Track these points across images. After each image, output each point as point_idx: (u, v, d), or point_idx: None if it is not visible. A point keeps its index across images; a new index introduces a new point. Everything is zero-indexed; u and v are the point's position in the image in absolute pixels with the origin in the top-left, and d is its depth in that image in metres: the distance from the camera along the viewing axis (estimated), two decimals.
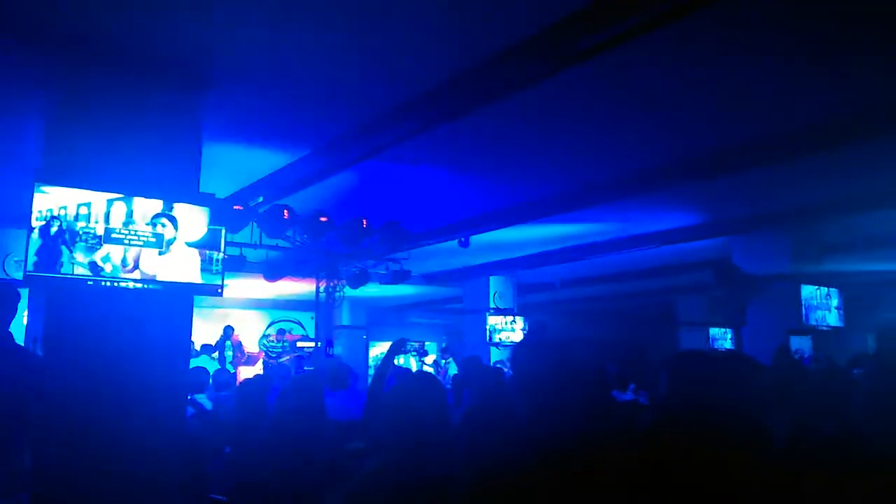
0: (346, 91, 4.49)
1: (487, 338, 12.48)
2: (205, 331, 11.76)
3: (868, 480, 1.37)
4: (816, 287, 8.72)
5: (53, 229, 3.50)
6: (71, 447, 3.44)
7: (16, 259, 8.76)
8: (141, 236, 3.76)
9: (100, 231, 3.63)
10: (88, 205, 3.61)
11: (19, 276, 8.70)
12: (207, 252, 4.03)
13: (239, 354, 11.97)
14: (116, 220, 3.69)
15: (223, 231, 4.21)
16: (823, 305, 8.73)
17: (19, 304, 3.60)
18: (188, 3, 3.38)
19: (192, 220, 3.97)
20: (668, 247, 9.42)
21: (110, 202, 3.68)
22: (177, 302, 3.98)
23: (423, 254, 9.68)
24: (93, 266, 3.60)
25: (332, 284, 7.61)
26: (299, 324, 15.29)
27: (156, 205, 3.83)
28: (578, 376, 2.10)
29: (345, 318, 15.03)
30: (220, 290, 4.10)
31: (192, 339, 7.41)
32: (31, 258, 3.45)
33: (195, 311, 4.27)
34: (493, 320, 12.64)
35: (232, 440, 4.10)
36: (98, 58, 3.83)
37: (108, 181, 3.71)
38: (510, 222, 8.02)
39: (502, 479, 1.86)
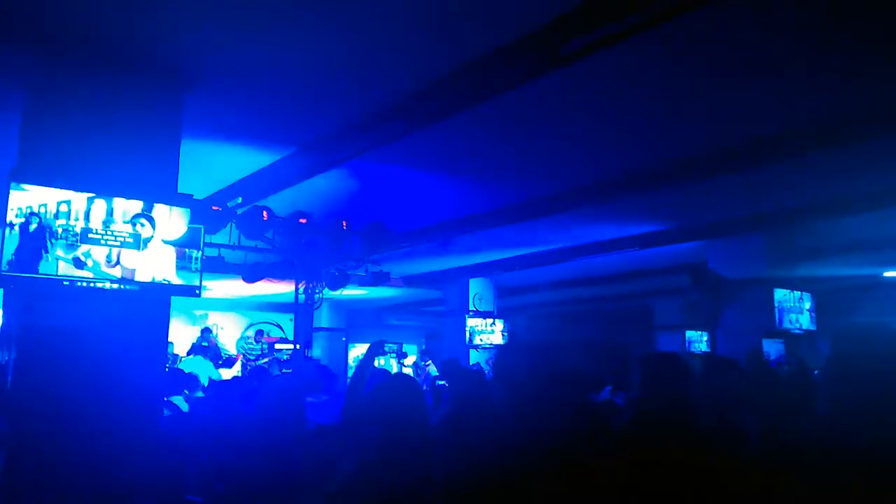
0: (327, 93, 4.49)
1: (467, 340, 12.51)
2: (183, 333, 11.66)
3: (831, 479, 1.42)
4: (790, 291, 8.87)
5: (33, 227, 3.47)
6: (45, 447, 3.40)
7: None
8: (118, 236, 3.73)
9: (78, 230, 3.60)
10: (68, 203, 3.58)
11: None
12: (186, 252, 4.01)
13: (213, 357, 11.86)
14: (94, 220, 3.66)
15: (202, 231, 4.19)
16: (796, 309, 8.88)
17: None
18: (168, 2, 3.36)
19: (170, 220, 3.95)
20: (646, 251, 9.53)
21: (89, 201, 3.65)
22: (154, 303, 3.95)
23: (403, 256, 9.69)
24: (76, 261, 3.57)
25: (311, 286, 7.58)
26: (278, 326, 15.20)
27: (134, 205, 3.80)
28: (556, 377, 2.13)
29: (324, 320, 14.98)
30: (198, 291, 4.09)
31: (171, 339, 7.36)
32: (7, 257, 3.41)
33: (173, 312, 4.24)
34: (472, 322, 12.68)
35: (209, 442, 4.08)
36: (76, 56, 3.80)
37: (85, 180, 3.68)
38: (490, 225, 8.06)
39: (481, 479, 1.88)
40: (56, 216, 3.55)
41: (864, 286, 11.86)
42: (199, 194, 5.64)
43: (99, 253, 3.67)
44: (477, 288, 13.23)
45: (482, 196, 7.31)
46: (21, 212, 3.47)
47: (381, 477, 2.10)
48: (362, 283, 8.30)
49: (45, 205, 3.53)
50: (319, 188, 6.39)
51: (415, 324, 18.32)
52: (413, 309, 17.14)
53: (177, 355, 10.32)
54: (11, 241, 3.43)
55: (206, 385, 6.91)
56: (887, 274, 11.33)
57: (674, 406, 2.20)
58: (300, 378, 5.89)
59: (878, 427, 1.44)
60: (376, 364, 3.97)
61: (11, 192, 3.47)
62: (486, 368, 9.52)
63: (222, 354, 12.12)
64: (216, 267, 7.49)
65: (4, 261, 3.41)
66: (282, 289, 11.89)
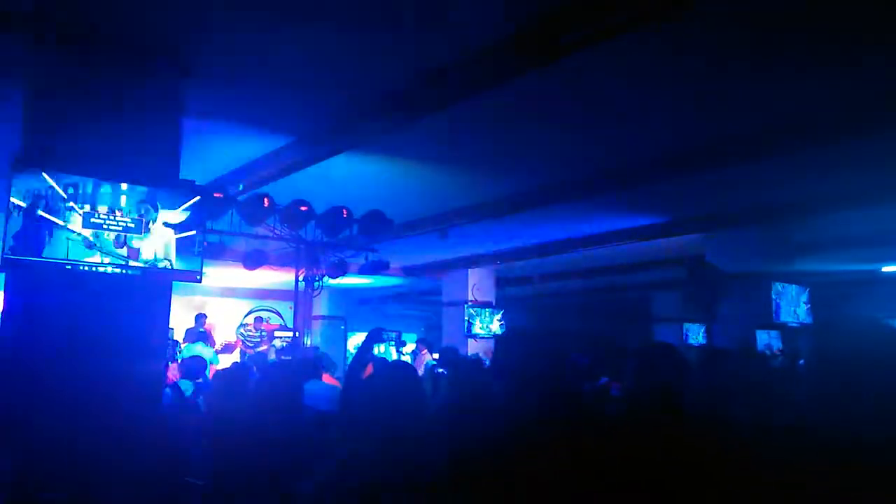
0: (327, 81, 4.51)
1: (465, 330, 12.56)
2: (182, 318, 11.70)
3: (803, 469, 1.47)
4: (787, 284, 8.91)
5: (35, 211, 3.50)
6: (47, 432, 3.45)
7: None
8: (121, 221, 3.77)
9: (80, 215, 3.63)
10: (71, 188, 3.61)
11: None
12: (187, 238, 4.05)
13: (212, 343, 11.92)
14: (97, 205, 3.70)
15: (203, 217, 4.22)
16: (793, 302, 8.92)
17: None
18: None
19: (172, 206, 3.98)
20: (643, 243, 9.56)
21: (92, 186, 3.68)
22: (156, 287, 3.99)
23: (402, 245, 9.72)
24: (78, 246, 3.61)
25: (311, 274, 7.61)
26: (277, 313, 15.25)
27: (136, 190, 3.83)
28: (553, 367, 2.17)
29: (324, 308, 15.02)
30: (199, 277, 4.12)
31: (171, 325, 7.40)
32: (9, 241, 3.45)
33: (173, 297, 4.28)
34: (471, 312, 12.74)
35: (209, 427, 4.13)
36: (78, 42, 3.82)
37: (88, 166, 3.71)
38: (488, 216, 8.09)
39: (477, 466, 1.92)
40: (58, 201, 3.58)
41: (861, 281, 11.92)
42: (201, 181, 5.65)
43: (101, 238, 3.71)
44: (476, 278, 13.27)
45: (481, 187, 7.33)
46: (24, 196, 3.50)
47: (377, 463, 2.13)
48: (362, 271, 8.33)
49: (47, 190, 3.56)
50: (320, 176, 6.41)
51: (414, 313, 18.38)
52: (412, 298, 17.19)
53: (177, 341, 10.37)
54: (14, 226, 3.46)
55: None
56: (885, 269, 11.39)
57: (668, 396, 2.24)
58: (298, 364, 5.94)
59: (857, 419, 1.47)
60: (375, 352, 4.01)
61: (14, 176, 3.50)
62: (485, 358, 9.57)
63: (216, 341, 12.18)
64: (217, 253, 7.52)
65: (7, 244, 3.45)
66: (281, 277, 11.94)
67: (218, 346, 12.08)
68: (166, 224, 3.96)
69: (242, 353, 12.53)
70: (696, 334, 14.30)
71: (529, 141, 5.75)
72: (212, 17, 3.65)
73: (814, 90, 4.59)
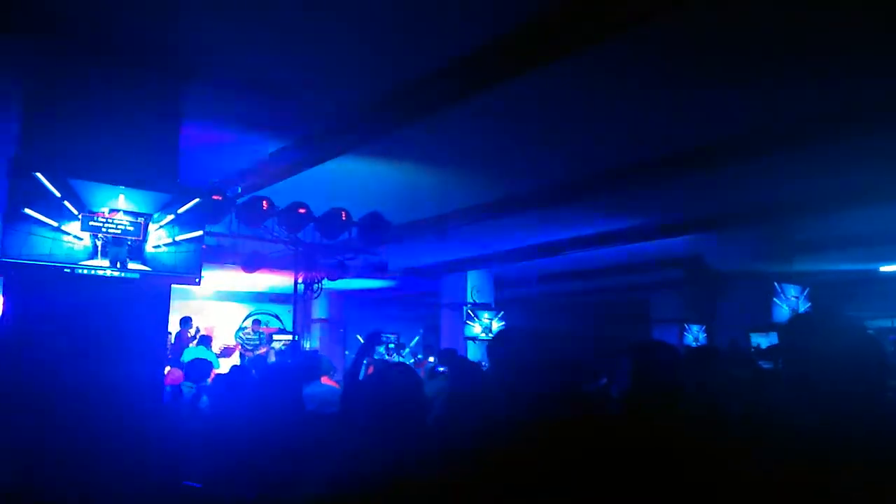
0: (325, 84, 4.52)
1: (464, 332, 12.55)
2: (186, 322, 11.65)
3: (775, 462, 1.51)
4: (785, 284, 8.93)
5: (34, 214, 3.50)
6: (45, 435, 3.44)
7: None
8: (119, 224, 3.77)
9: (79, 218, 3.63)
10: (69, 191, 3.61)
11: None
12: (185, 241, 4.05)
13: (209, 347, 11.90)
14: (96, 208, 3.69)
15: (202, 220, 4.22)
16: (791, 302, 8.94)
17: None
18: None
19: (171, 209, 3.98)
20: (642, 244, 9.57)
21: (90, 190, 3.68)
22: (154, 291, 3.99)
23: (401, 248, 9.72)
24: (77, 249, 3.60)
25: (310, 276, 7.62)
26: (276, 317, 15.24)
27: (135, 193, 3.83)
28: (551, 366, 2.18)
29: (322, 311, 15.02)
30: (197, 280, 4.12)
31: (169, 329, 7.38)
32: (8, 244, 3.44)
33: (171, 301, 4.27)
34: (470, 314, 12.73)
35: (209, 428, 4.13)
36: (77, 45, 3.82)
37: (86, 169, 3.71)
38: (487, 217, 8.09)
39: (475, 466, 1.92)
40: (57, 204, 3.58)
41: (859, 280, 11.93)
42: (200, 183, 5.65)
43: (100, 241, 3.70)
44: (475, 280, 13.26)
45: (479, 188, 7.33)
46: (22, 199, 3.49)
47: (377, 463, 2.13)
48: (361, 273, 8.34)
49: (46, 192, 3.55)
50: (318, 179, 6.42)
51: (413, 315, 18.37)
52: (411, 301, 17.18)
53: (174, 344, 10.35)
54: (13, 229, 3.46)
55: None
56: (883, 269, 11.40)
57: (664, 394, 2.24)
58: (297, 366, 5.94)
59: (825, 412, 1.53)
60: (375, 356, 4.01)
61: (13, 179, 3.50)
62: (484, 361, 9.58)
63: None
64: (215, 256, 7.53)
65: (5, 247, 3.44)
66: (280, 280, 11.93)
67: (216, 350, 12.07)
68: (165, 227, 3.96)
69: (242, 357, 12.51)
70: (695, 335, 14.32)
71: (528, 142, 5.76)
72: (210, 20, 3.65)
73: (812, 89, 4.60)
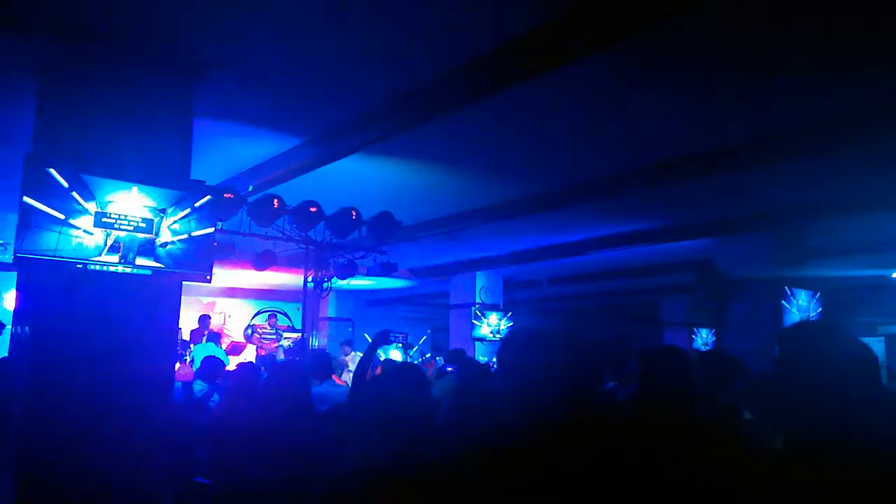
0: (337, 84, 4.53)
1: (473, 332, 12.56)
2: (190, 318, 11.72)
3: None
4: (796, 290, 8.87)
5: (48, 210, 3.53)
6: (58, 431, 3.47)
7: (2, 242, 8.72)
8: (132, 221, 3.80)
9: (92, 214, 3.66)
10: (83, 187, 3.64)
11: (4, 258, 8.68)
12: (197, 238, 4.07)
13: (219, 344, 11.94)
14: (108, 205, 3.72)
15: (214, 218, 4.25)
16: (802, 308, 8.88)
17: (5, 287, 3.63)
18: None
19: (183, 206, 4.01)
20: (652, 247, 9.54)
21: (103, 186, 3.71)
22: (166, 287, 4.01)
23: (410, 247, 9.73)
24: (90, 245, 3.63)
25: (319, 275, 7.64)
26: (285, 314, 15.29)
27: (147, 190, 3.86)
28: (559, 368, 2.17)
29: (331, 309, 15.05)
30: (208, 277, 4.15)
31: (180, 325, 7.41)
32: (22, 239, 3.48)
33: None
34: (478, 315, 12.74)
35: (218, 425, 4.15)
36: (91, 44, 3.85)
37: (99, 166, 3.74)
38: (497, 219, 8.09)
39: (481, 467, 1.93)
40: (70, 201, 3.61)
41: (871, 287, 11.84)
42: (212, 181, 5.70)
43: (113, 237, 3.73)
44: (483, 281, 13.27)
45: (490, 189, 7.33)
46: (36, 195, 3.52)
47: (383, 463, 2.14)
48: (370, 272, 8.36)
49: (59, 188, 3.58)
50: (329, 178, 6.44)
51: (422, 315, 18.38)
52: (420, 301, 17.20)
53: (186, 341, 10.41)
54: (26, 224, 3.49)
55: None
56: (895, 275, 11.31)
57: (674, 399, 2.24)
58: (305, 363, 5.97)
59: (818, 422, 1.55)
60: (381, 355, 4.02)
61: (26, 175, 3.53)
62: (491, 362, 9.58)
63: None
64: (226, 254, 7.57)
65: (20, 243, 3.48)
66: (289, 279, 11.98)
67: (225, 347, 12.11)
68: (177, 224, 3.98)
69: (258, 353, 12.50)
70: (704, 339, 14.26)
71: (540, 144, 5.75)
72: (224, 18, 3.67)
73: (827, 92, 4.57)
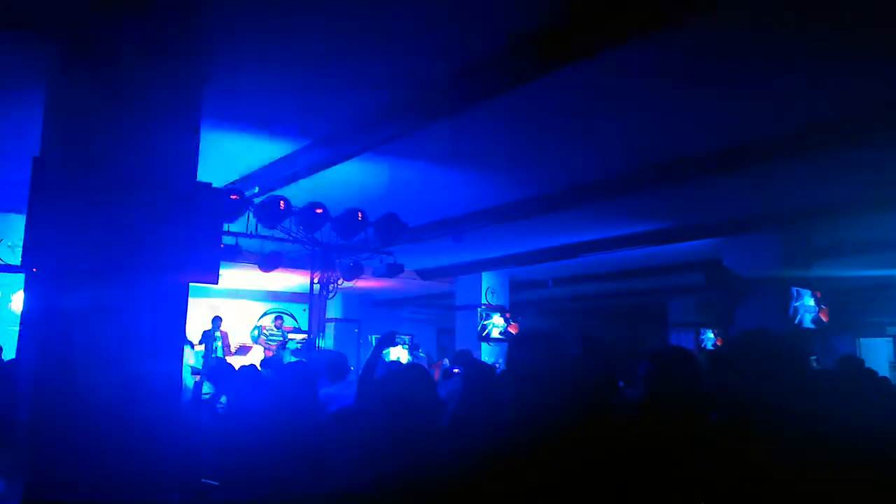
0: (344, 85, 4.53)
1: (479, 333, 12.54)
2: (195, 318, 11.74)
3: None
4: (804, 289, 8.81)
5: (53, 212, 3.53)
6: (64, 432, 3.48)
7: (9, 244, 8.76)
8: None
9: None
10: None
11: (12, 260, 8.72)
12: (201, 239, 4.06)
13: (226, 346, 11.97)
14: None
15: (220, 219, 4.25)
16: (811, 308, 8.81)
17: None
18: None
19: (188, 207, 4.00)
20: (660, 248, 9.50)
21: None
22: (173, 288, 4.01)
23: (416, 249, 9.72)
24: None
25: (326, 276, 7.65)
26: (291, 315, 15.31)
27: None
28: (567, 370, 2.16)
29: (337, 311, 15.06)
30: (215, 279, 4.14)
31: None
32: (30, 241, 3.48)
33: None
34: (484, 316, 12.71)
35: (226, 426, 4.15)
36: (97, 45, 3.85)
37: (106, 169, 3.74)
38: (503, 219, 8.08)
39: (488, 469, 1.92)
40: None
41: (879, 287, 11.77)
42: (218, 183, 5.71)
43: None
44: (490, 282, 13.25)
45: (496, 190, 7.32)
46: (43, 196, 3.53)
47: (390, 464, 2.13)
48: (376, 274, 8.36)
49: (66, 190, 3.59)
50: (335, 179, 6.44)
51: (428, 316, 18.38)
52: (426, 302, 17.20)
53: (191, 342, 10.42)
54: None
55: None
56: None
57: (682, 400, 2.22)
58: (313, 364, 5.96)
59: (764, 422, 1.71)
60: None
61: (34, 177, 3.54)
62: (498, 363, 9.56)
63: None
64: (233, 255, 7.58)
65: (28, 244, 3.48)
66: (295, 280, 11.99)
67: (233, 349, 12.14)
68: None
69: (264, 354, 12.52)
70: (712, 340, 14.20)
71: (545, 144, 5.74)
72: (231, 20, 3.68)
73: (837, 92, 4.54)
